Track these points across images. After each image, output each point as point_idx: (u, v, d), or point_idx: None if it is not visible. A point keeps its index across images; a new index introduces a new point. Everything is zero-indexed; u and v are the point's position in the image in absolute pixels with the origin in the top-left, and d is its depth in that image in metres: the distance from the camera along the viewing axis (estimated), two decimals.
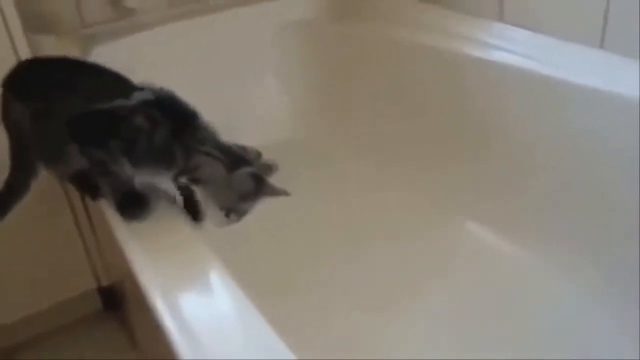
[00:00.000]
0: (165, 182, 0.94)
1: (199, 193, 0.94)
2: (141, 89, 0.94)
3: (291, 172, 1.66)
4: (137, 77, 1.47)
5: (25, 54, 1.18)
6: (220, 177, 0.92)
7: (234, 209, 0.95)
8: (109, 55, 1.52)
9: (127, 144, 0.89)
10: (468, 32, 1.43)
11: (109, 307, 1.51)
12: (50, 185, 1.29)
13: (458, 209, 1.47)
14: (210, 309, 0.79)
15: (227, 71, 1.73)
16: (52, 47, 1.39)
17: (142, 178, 0.93)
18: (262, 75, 1.82)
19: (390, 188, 1.58)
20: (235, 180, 0.92)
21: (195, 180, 0.93)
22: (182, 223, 0.94)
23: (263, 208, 0.98)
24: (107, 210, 0.95)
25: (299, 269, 1.34)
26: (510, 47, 1.34)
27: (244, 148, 0.97)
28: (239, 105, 1.77)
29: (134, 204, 0.93)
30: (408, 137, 1.61)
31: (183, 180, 0.93)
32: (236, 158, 0.93)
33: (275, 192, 0.96)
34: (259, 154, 0.99)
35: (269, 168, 0.99)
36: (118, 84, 0.96)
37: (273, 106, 1.84)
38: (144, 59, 1.59)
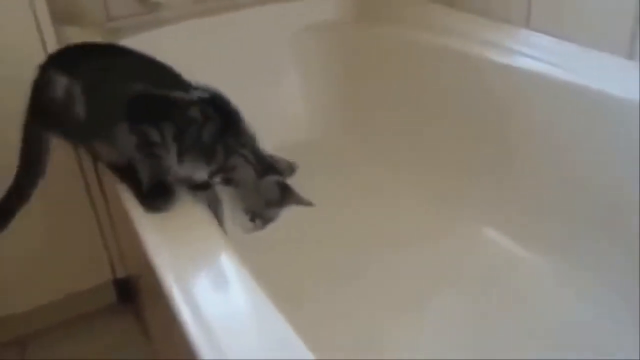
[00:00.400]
0: (200, 177, 0.95)
1: (227, 194, 0.96)
2: (196, 87, 0.98)
3: (308, 173, 1.67)
4: None
5: (52, 45, 1.19)
6: (250, 181, 0.94)
7: (259, 215, 0.96)
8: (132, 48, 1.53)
9: (179, 132, 0.92)
10: (493, 37, 1.42)
11: (123, 299, 1.51)
12: (69, 177, 1.31)
13: (476, 216, 1.46)
14: (228, 303, 0.79)
15: (248, 69, 1.73)
16: (78, 38, 1.38)
17: (181, 169, 0.94)
18: (282, 74, 1.82)
19: (406, 193, 1.58)
20: (262, 186, 0.95)
21: (229, 181, 0.95)
22: (203, 217, 0.93)
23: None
24: (128, 201, 0.95)
25: (315, 273, 1.34)
26: (536, 54, 1.33)
27: (275, 158, 0.99)
28: (258, 104, 1.75)
29: (159, 195, 0.93)
30: (426, 142, 1.61)
31: (217, 179, 0.94)
32: (267, 165, 0.96)
33: (300, 201, 0.98)
34: (290, 166, 1.01)
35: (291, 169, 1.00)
36: (175, 77, 0.99)
37: (292, 106, 1.84)
38: (167, 53, 1.58)
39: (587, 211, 1.25)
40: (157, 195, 0.93)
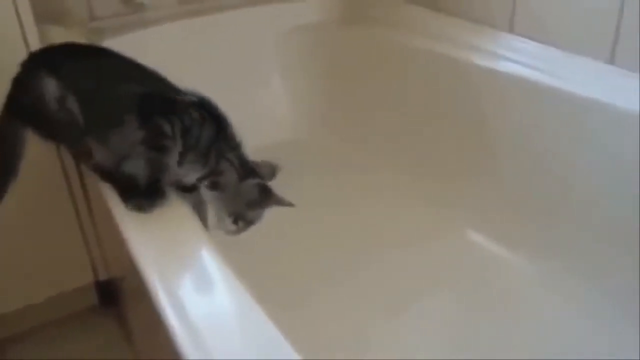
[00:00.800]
0: (191, 180, 0.96)
1: (211, 197, 0.96)
2: (185, 92, 0.99)
3: (293, 174, 1.67)
4: None
5: (35, 43, 1.17)
6: (233, 184, 0.96)
7: (242, 217, 0.98)
8: (116, 49, 1.52)
9: (185, 129, 0.93)
10: (478, 41, 1.44)
11: (105, 302, 1.49)
12: (50, 178, 1.30)
13: (460, 218, 1.47)
14: (213, 303, 0.78)
15: (233, 70, 1.73)
16: (61, 38, 1.37)
17: (180, 170, 0.95)
18: (267, 75, 1.83)
19: (391, 194, 1.58)
20: (243, 189, 0.96)
21: (215, 185, 0.96)
22: (187, 218, 0.93)
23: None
24: (111, 200, 0.94)
25: (302, 275, 1.34)
26: (519, 58, 1.35)
27: (257, 162, 1.01)
28: (244, 105, 1.76)
29: (150, 195, 0.93)
30: (410, 144, 1.62)
31: (206, 182, 0.95)
32: (249, 169, 0.97)
33: (281, 202, 0.99)
34: (273, 169, 1.03)
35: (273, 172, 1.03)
36: (162, 81, 1.00)
37: (277, 107, 1.84)
38: (152, 55, 1.57)
39: (572, 214, 1.27)
40: (148, 195, 0.93)
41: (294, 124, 1.84)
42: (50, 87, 0.91)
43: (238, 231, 0.98)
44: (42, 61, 0.96)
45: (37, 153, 1.20)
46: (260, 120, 1.77)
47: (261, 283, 1.01)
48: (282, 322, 0.97)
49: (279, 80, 1.84)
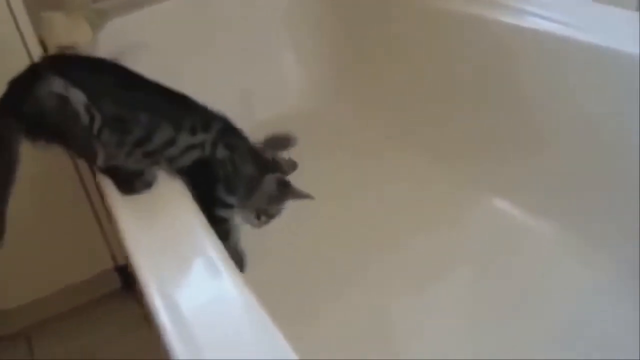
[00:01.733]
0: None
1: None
2: (211, 114, 1.01)
3: (307, 147, 1.64)
4: (150, 52, 1.46)
5: (28, 31, 1.14)
6: (255, 182, 1.03)
7: (264, 212, 1.04)
8: (122, 30, 1.49)
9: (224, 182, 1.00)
10: None
11: (128, 286, 1.50)
12: (63, 169, 1.29)
13: (486, 186, 1.40)
14: (206, 297, 0.75)
15: (241, 42, 1.69)
16: (61, 23, 1.35)
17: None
18: (277, 46, 1.77)
19: (411, 164, 1.52)
20: (264, 184, 1.02)
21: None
22: (185, 204, 0.90)
23: None
24: (110, 194, 0.91)
25: (325, 256, 1.31)
26: (545, 12, 1.25)
27: (277, 159, 1.08)
28: (255, 77, 1.73)
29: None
30: (429, 110, 1.54)
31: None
32: (267, 164, 1.04)
33: (300, 195, 1.04)
34: (293, 164, 1.10)
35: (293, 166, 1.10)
36: (184, 99, 0.99)
37: (288, 77, 1.79)
38: (157, 32, 1.56)
39: (603, 179, 1.19)
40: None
41: (306, 94, 1.78)
42: (79, 97, 0.88)
43: (261, 224, 1.06)
44: (57, 69, 0.92)
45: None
46: (272, 92, 1.74)
47: (284, 264, 1.13)
48: (310, 301, 1.13)
49: (289, 50, 1.78)
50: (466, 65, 1.43)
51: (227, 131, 1.01)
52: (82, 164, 1.29)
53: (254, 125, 1.71)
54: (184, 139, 0.95)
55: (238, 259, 1.08)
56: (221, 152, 0.98)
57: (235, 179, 1.00)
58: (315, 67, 1.79)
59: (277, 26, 1.75)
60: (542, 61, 1.25)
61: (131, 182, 0.93)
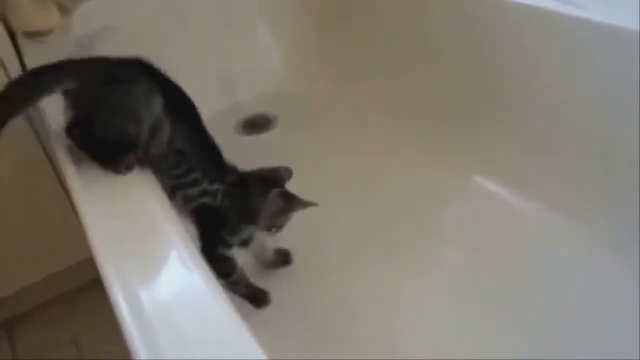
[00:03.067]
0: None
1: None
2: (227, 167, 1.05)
3: (290, 128, 1.62)
4: (126, 33, 1.42)
5: None
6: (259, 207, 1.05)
7: (274, 225, 1.08)
8: (97, 12, 1.46)
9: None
10: None
11: None
12: (35, 160, 1.27)
13: (466, 164, 1.39)
14: (170, 290, 0.74)
15: (219, 23, 1.66)
16: (29, 7, 1.31)
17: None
18: (257, 25, 1.74)
19: (393, 142, 1.51)
20: (268, 203, 1.03)
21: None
22: (151, 199, 0.87)
23: None
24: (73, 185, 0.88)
25: (309, 234, 1.28)
26: None
27: (273, 172, 1.08)
28: (234, 58, 1.70)
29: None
30: (412, 87, 1.52)
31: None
32: (267, 181, 1.06)
33: (305, 204, 1.06)
34: (288, 171, 1.09)
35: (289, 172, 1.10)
36: (215, 155, 1.04)
37: (269, 57, 1.76)
38: (132, 16, 1.52)
39: (582, 156, 1.18)
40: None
41: (287, 74, 1.76)
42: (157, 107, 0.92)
43: (271, 235, 1.10)
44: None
45: (20, 142, 1.21)
46: (252, 72, 1.72)
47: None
48: (299, 278, 1.17)
49: (269, 30, 1.75)
50: (446, 42, 1.41)
51: (237, 185, 1.05)
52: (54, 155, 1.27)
53: (234, 106, 1.70)
54: (204, 184, 1.01)
55: (257, 294, 1.14)
56: (229, 201, 1.04)
57: (240, 224, 1.07)
58: (296, 46, 1.77)
59: (256, 5, 1.72)
60: (527, 37, 1.23)
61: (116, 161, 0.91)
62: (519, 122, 1.29)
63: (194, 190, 1.01)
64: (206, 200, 1.02)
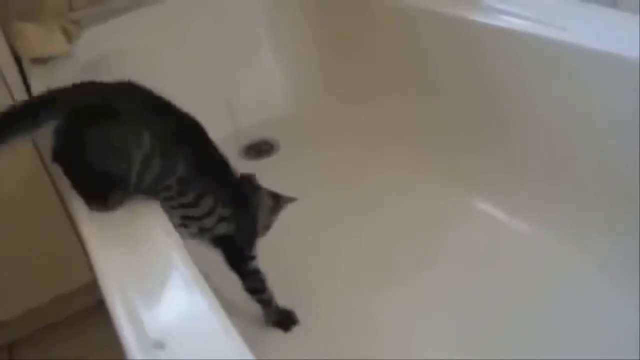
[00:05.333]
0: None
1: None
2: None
3: (293, 152, 1.63)
4: (129, 59, 1.44)
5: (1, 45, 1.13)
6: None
7: (267, 227, 1.08)
8: (98, 39, 1.48)
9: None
10: None
11: None
12: (39, 183, 1.28)
13: (467, 187, 1.40)
14: (175, 316, 0.74)
15: (221, 48, 1.68)
16: (35, 34, 1.33)
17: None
18: (259, 49, 1.76)
19: (395, 167, 1.52)
20: (262, 202, 1.05)
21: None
22: (156, 224, 0.87)
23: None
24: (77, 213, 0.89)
25: (307, 252, 1.32)
26: (517, 10, 1.25)
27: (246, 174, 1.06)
28: (237, 82, 1.72)
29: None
30: (412, 113, 1.54)
31: None
32: (251, 184, 1.06)
33: (288, 200, 1.07)
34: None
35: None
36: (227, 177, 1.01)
37: (271, 82, 1.78)
38: (135, 41, 1.55)
39: (581, 178, 1.19)
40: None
41: (291, 98, 1.78)
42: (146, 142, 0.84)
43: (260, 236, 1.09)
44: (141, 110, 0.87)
45: (25, 164, 1.22)
46: (254, 97, 1.73)
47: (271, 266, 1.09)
48: (300, 302, 1.17)
49: (271, 54, 1.77)
50: (448, 66, 1.43)
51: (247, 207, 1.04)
52: (59, 179, 1.28)
53: (238, 131, 1.72)
54: (219, 211, 0.97)
55: (284, 316, 1.15)
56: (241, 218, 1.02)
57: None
58: (299, 72, 1.79)
59: (259, 30, 1.75)
60: (521, 60, 1.24)
61: (104, 197, 0.87)
62: (518, 147, 1.31)
63: (209, 221, 0.97)
64: (223, 229, 1.00)
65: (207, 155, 0.95)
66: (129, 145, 0.83)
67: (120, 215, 0.86)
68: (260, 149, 1.69)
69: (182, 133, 0.91)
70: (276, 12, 1.73)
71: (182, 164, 0.88)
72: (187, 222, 0.96)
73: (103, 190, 0.86)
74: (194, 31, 1.64)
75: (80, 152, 0.83)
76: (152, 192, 0.88)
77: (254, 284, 1.10)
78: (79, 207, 0.88)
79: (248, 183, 1.05)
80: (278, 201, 1.07)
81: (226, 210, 0.98)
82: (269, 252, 1.09)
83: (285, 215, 1.09)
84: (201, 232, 0.99)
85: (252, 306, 1.13)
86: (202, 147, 0.95)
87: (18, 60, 1.33)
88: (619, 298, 1.11)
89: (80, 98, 0.85)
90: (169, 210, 0.90)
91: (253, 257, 1.08)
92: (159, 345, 0.67)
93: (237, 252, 1.06)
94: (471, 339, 1.10)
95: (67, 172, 0.87)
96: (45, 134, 0.93)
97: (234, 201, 1.00)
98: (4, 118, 0.80)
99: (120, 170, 0.84)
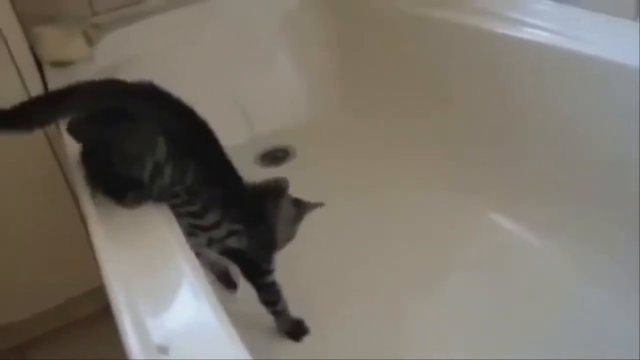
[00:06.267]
0: None
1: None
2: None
3: (310, 160, 1.62)
4: (149, 64, 1.45)
5: (21, 48, 1.14)
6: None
7: (289, 238, 1.06)
8: (117, 44, 1.49)
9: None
10: (491, 6, 1.32)
11: None
12: (55, 185, 1.29)
13: (483, 200, 1.38)
14: (180, 325, 0.73)
15: (239, 55, 1.68)
16: (56, 39, 1.35)
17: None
18: (276, 56, 1.76)
19: (411, 177, 1.51)
20: (282, 213, 1.02)
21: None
22: (165, 231, 0.87)
23: None
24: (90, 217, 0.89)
25: (327, 261, 1.32)
26: (537, 21, 1.23)
27: (269, 180, 1.04)
28: (253, 89, 1.72)
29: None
30: (429, 123, 1.53)
31: None
32: (274, 191, 1.03)
33: (313, 207, 1.05)
34: (285, 181, 1.05)
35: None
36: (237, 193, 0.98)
37: (289, 88, 1.77)
38: (155, 45, 1.56)
39: (596, 194, 1.17)
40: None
41: (307, 106, 1.77)
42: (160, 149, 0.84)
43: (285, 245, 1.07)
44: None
45: (40, 166, 1.22)
46: (270, 104, 1.73)
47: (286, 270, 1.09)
48: (312, 308, 1.16)
49: (287, 62, 1.77)
50: (466, 78, 1.42)
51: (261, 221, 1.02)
52: (72, 179, 1.29)
53: (253, 138, 1.72)
54: (226, 226, 0.95)
55: (294, 326, 1.14)
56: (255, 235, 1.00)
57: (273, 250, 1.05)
58: (316, 79, 1.78)
59: (273, 36, 1.75)
60: (538, 72, 1.23)
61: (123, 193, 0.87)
62: (533, 161, 1.29)
63: (218, 233, 0.96)
64: (234, 243, 0.98)
65: (217, 168, 0.93)
66: (143, 150, 0.83)
67: (129, 220, 0.86)
68: (275, 156, 1.68)
69: (195, 142, 0.90)
70: (294, 20, 1.73)
71: (191, 173, 0.87)
72: (196, 232, 0.94)
73: (121, 189, 0.86)
74: (212, 38, 1.65)
75: (98, 150, 0.85)
76: (162, 198, 0.88)
77: (270, 297, 1.09)
78: (90, 210, 0.88)
79: (272, 190, 1.03)
80: (303, 209, 1.04)
81: (235, 225, 0.97)
82: (282, 260, 1.08)
83: (307, 225, 1.07)
84: (210, 243, 0.97)
85: (267, 317, 1.13)
86: (213, 158, 0.93)
87: (39, 64, 1.35)
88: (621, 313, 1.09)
89: (99, 96, 0.85)
90: (179, 217, 0.89)
91: (270, 271, 1.06)
92: (163, 350, 0.66)
93: (253, 266, 1.05)
94: (478, 350, 1.09)
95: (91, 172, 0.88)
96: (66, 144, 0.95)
97: (245, 216, 0.97)
98: (22, 107, 0.80)
99: (134, 174, 0.84)
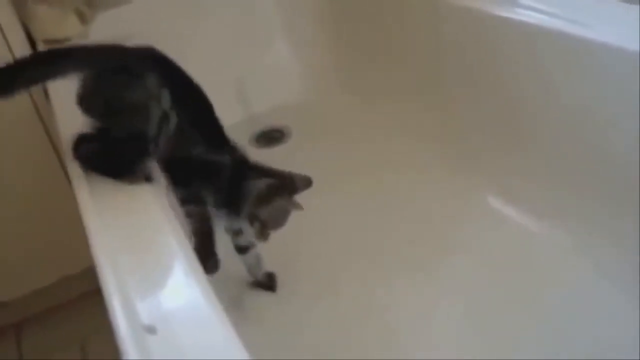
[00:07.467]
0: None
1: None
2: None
3: (306, 140, 1.62)
4: (142, 42, 1.44)
5: (12, 23, 1.13)
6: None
7: (255, 218, 1.04)
8: (112, 22, 1.48)
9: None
10: None
11: None
12: (49, 166, 1.29)
13: (481, 184, 1.38)
14: (169, 303, 0.73)
15: (233, 33, 1.67)
16: (50, 16, 1.34)
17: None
18: (273, 35, 1.75)
19: (407, 159, 1.50)
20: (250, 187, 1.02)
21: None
22: (156, 209, 0.87)
23: None
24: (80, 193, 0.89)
25: (323, 244, 1.31)
26: (539, 5, 1.21)
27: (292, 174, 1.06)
28: (250, 68, 1.71)
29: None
30: (426, 104, 1.52)
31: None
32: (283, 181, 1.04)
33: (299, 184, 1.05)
34: (305, 180, 1.06)
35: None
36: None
37: (284, 69, 1.77)
38: (148, 25, 1.54)
39: (597, 180, 1.16)
40: None
41: (302, 85, 1.76)
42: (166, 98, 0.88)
43: (260, 237, 1.07)
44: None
45: (34, 149, 1.22)
46: (267, 83, 1.72)
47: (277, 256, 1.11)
48: (311, 291, 1.18)
49: (285, 40, 1.76)
50: (470, 63, 1.39)
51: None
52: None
53: (249, 118, 1.71)
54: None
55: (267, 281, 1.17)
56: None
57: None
58: (312, 57, 1.77)
59: (272, 14, 1.73)
60: (535, 56, 1.21)
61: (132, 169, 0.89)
62: (538, 147, 1.28)
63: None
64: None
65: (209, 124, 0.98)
66: (149, 99, 0.86)
67: (120, 199, 0.86)
68: (271, 136, 1.68)
69: (194, 105, 0.95)
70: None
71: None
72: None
73: (129, 164, 0.89)
74: (208, 16, 1.64)
75: (104, 106, 0.86)
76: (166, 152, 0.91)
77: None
78: (81, 191, 0.88)
79: (287, 184, 1.04)
80: (279, 189, 1.03)
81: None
82: (278, 241, 1.08)
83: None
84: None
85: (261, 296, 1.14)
86: (208, 117, 0.97)
87: (32, 42, 1.33)
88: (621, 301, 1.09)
89: (106, 54, 0.88)
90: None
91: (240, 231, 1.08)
92: (151, 330, 0.66)
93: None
94: (475, 333, 1.09)
95: (91, 159, 0.90)
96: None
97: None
98: (18, 64, 0.81)
99: (138, 125, 0.86)
